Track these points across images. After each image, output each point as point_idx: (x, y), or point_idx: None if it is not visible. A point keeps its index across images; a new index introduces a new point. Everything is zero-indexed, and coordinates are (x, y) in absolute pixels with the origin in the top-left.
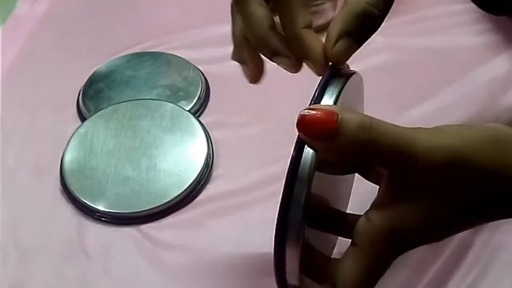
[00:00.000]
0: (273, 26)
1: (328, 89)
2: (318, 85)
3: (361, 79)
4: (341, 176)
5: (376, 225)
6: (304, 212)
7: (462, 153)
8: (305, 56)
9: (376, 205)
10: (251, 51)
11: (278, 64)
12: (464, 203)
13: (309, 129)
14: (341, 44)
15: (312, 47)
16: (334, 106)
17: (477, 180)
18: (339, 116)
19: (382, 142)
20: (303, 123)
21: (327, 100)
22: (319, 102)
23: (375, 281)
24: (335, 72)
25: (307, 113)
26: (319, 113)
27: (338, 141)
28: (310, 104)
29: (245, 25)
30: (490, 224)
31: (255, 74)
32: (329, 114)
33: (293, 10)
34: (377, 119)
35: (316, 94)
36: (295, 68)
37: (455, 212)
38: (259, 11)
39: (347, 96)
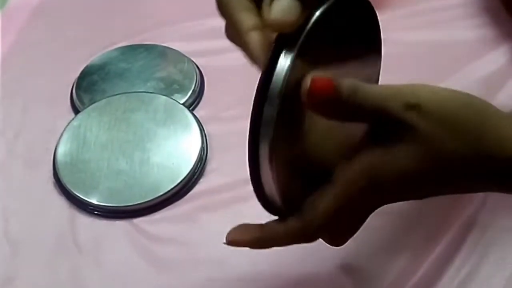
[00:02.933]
0: (255, 27)
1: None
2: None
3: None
4: None
5: (354, 165)
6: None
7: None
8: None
9: (358, 149)
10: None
11: None
12: (443, 160)
13: (315, 97)
14: (278, 4)
15: (253, 46)
16: (326, 74)
17: (462, 139)
18: (334, 83)
19: (370, 100)
20: (310, 93)
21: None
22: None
23: (344, 226)
24: (282, 40)
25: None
26: (318, 83)
27: (335, 103)
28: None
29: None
30: (483, 220)
31: None
32: (327, 82)
33: (234, 17)
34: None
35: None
36: None
37: (433, 168)
38: (242, 17)
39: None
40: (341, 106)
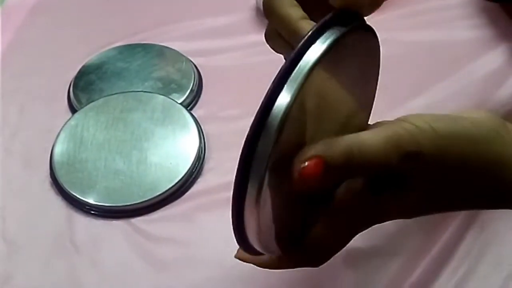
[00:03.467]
0: (304, 17)
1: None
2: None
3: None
4: None
5: (354, 205)
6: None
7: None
8: None
9: (356, 192)
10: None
11: None
12: (445, 201)
13: (306, 183)
14: None
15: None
16: (315, 147)
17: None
18: (323, 159)
19: (367, 161)
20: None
21: (288, 91)
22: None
23: (340, 248)
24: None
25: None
26: (306, 165)
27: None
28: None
29: (279, 29)
30: (481, 220)
31: None
32: (317, 163)
33: (283, 11)
34: (356, 137)
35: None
36: None
37: (433, 207)
38: (290, 10)
39: (334, 64)
40: (337, 176)
